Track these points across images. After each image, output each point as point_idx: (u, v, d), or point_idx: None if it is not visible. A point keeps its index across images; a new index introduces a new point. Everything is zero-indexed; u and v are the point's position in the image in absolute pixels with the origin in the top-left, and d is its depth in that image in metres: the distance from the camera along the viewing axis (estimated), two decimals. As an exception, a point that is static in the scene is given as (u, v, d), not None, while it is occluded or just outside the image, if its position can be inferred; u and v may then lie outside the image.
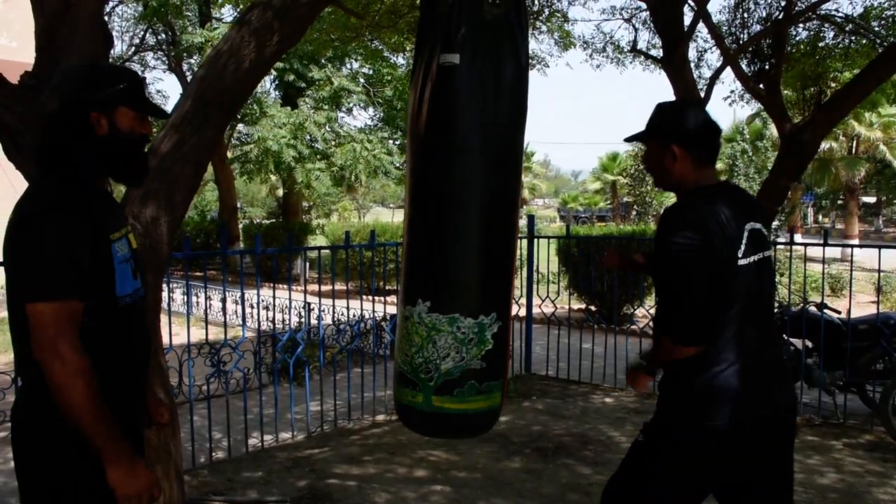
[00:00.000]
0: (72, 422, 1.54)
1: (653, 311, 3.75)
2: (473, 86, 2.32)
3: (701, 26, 7.37)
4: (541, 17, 9.13)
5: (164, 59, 19.10)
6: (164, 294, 6.73)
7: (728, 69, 7.11)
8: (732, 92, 10.59)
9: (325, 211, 34.59)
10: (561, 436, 4.72)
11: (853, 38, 7.86)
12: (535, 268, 6.47)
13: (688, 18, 7.05)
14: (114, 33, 12.40)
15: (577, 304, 10.19)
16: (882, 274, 6.74)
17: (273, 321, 7.38)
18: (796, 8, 7.16)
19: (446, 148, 2.36)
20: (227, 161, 19.15)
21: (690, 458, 1.96)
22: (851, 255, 5.28)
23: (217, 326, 6.15)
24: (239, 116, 17.30)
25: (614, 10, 9.73)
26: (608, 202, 43.38)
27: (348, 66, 18.78)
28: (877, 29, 7.63)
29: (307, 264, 16.37)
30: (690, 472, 1.98)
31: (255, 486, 3.90)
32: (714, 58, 12.05)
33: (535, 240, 6.55)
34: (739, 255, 1.93)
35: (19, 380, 1.71)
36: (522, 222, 6.65)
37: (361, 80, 18.33)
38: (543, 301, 6.24)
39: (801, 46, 8.12)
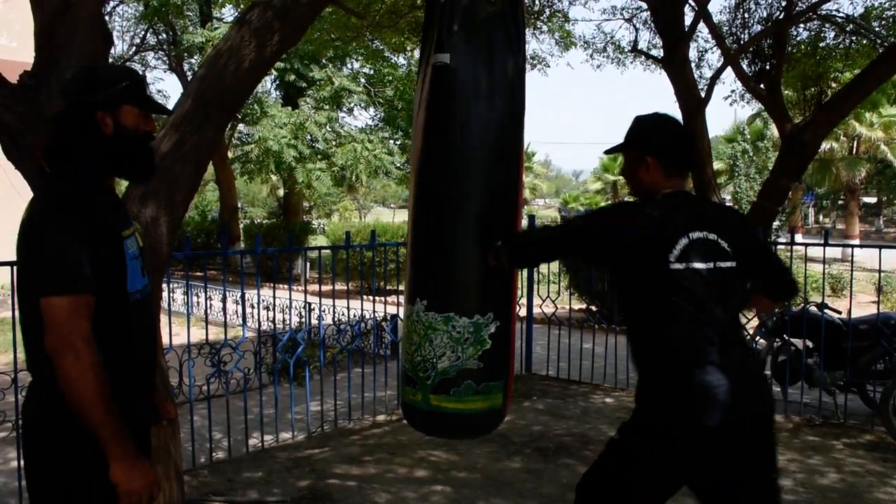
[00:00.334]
0: (79, 415, 1.56)
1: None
2: (468, 84, 2.31)
3: (702, 26, 7.38)
4: (541, 17, 9.13)
5: (164, 58, 19.09)
6: (165, 294, 6.73)
7: (729, 69, 7.12)
8: (733, 92, 10.61)
9: (326, 211, 34.61)
10: (561, 436, 4.72)
11: (854, 38, 7.86)
12: (535, 268, 6.46)
13: (688, 18, 7.06)
14: (114, 33, 12.39)
15: (578, 304, 10.19)
16: (882, 274, 6.74)
17: (273, 321, 7.38)
18: (797, 8, 7.16)
19: (444, 147, 2.35)
20: (228, 161, 19.15)
21: (666, 457, 1.98)
22: (852, 256, 5.28)
23: (217, 326, 6.16)
24: (239, 116, 17.31)
25: (615, 10, 9.74)
26: (609, 202, 43.40)
27: (349, 66, 18.79)
28: (877, 29, 7.63)
29: (308, 264, 16.38)
30: (663, 470, 2.00)
31: (256, 486, 3.90)
32: (715, 58, 12.06)
33: (536, 240, 6.53)
34: (671, 259, 1.95)
35: (29, 377, 1.73)
36: (524, 222, 6.65)
37: (362, 80, 18.33)
38: (544, 301, 6.24)
39: (802, 46, 8.12)
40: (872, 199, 35.44)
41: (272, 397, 5.25)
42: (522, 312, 6.09)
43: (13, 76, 2.62)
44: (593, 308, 7.84)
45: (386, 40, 9.02)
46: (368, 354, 6.34)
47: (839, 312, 5.45)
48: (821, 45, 8.05)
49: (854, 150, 24.14)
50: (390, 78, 17.61)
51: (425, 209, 2.43)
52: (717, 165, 19.40)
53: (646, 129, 2.15)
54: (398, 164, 18.22)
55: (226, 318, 4.97)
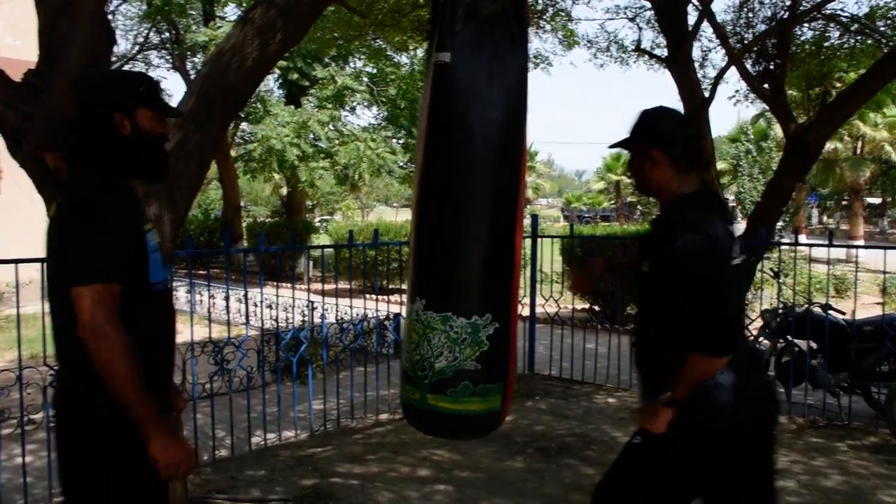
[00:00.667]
0: (116, 395, 1.65)
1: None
2: (468, 83, 2.30)
3: (705, 26, 7.37)
4: (545, 16, 9.11)
5: (167, 57, 19.11)
6: (168, 292, 6.73)
7: (733, 69, 7.09)
8: (737, 92, 10.57)
9: (329, 210, 34.62)
10: (564, 436, 4.71)
11: (858, 38, 7.84)
12: (538, 267, 6.46)
13: (692, 18, 7.04)
14: (117, 32, 12.39)
15: (581, 304, 10.18)
16: (887, 275, 6.72)
17: (276, 320, 7.37)
18: (801, 7, 7.14)
19: (445, 146, 2.35)
20: (231, 159, 19.16)
21: (690, 458, 1.96)
22: (857, 256, 5.28)
23: (220, 325, 6.16)
24: (243, 115, 17.32)
25: (618, 10, 9.69)
26: (612, 202, 43.36)
27: (352, 64, 18.78)
28: (882, 29, 7.60)
29: (311, 263, 16.38)
30: (689, 471, 1.99)
31: (258, 484, 3.90)
32: (718, 57, 12.08)
33: (539, 239, 6.54)
34: (734, 256, 1.94)
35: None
36: (526, 222, 6.64)
37: (365, 79, 18.32)
38: (547, 301, 6.24)
39: (806, 46, 8.09)
40: (877, 200, 35.37)
41: (275, 396, 5.25)
42: (525, 312, 6.09)
43: (18, 75, 2.62)
44: (596, 308, 7.82)
45: (389, 39, 9.02)
46: (371, 353, 6.33)
47: (843, 313, 5.43)
48: (825, 44, 8.02)
49: (858, 150, 24.08)
50: (393, 77, 17.60)
51: (427, 208, 2.43)
52: (720, 165, 19.38)
53: (650, 123, 2.10)
54: (401, 163, 18.21)
55: (229, 316, 4.97)
